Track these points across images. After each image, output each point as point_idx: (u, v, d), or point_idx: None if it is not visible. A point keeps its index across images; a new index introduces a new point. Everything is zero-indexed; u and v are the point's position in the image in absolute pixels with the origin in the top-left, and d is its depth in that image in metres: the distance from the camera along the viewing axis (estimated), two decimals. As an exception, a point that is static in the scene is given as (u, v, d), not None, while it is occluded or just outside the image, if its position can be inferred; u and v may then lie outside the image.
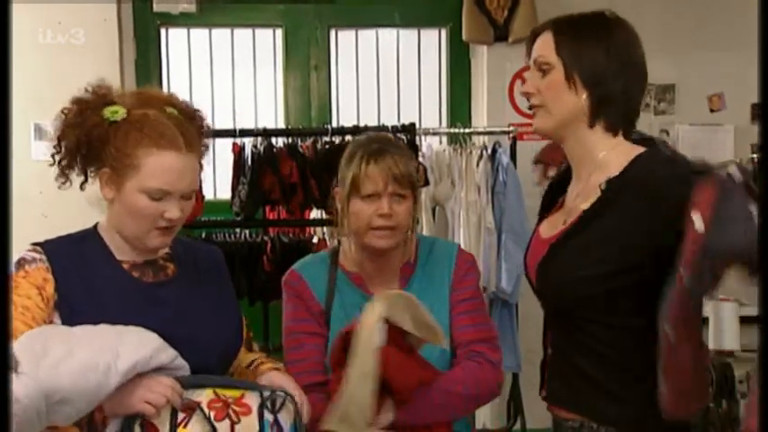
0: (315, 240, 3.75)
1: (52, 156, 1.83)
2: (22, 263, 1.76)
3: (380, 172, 2.03)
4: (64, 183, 1.86)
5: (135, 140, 1.77)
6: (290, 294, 2.14)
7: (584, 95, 1.82)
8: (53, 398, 1.58)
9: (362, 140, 2.14)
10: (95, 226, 1.90)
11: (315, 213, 3.84)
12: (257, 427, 1.72)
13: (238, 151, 3.62)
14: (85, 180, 1.86)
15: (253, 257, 3.65)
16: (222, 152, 3.98)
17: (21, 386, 1.53)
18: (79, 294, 1.77)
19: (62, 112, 1.83)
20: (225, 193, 3.84)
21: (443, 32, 4.49)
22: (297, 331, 2.10)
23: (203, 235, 3.67)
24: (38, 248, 1.80)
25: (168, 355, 1.72)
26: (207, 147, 1.95)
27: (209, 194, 3.79)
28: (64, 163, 1.83)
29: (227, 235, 3.72)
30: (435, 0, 4.39)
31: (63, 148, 1.82)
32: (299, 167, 3.60)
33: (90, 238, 1.87)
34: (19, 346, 1.59)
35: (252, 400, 1.74)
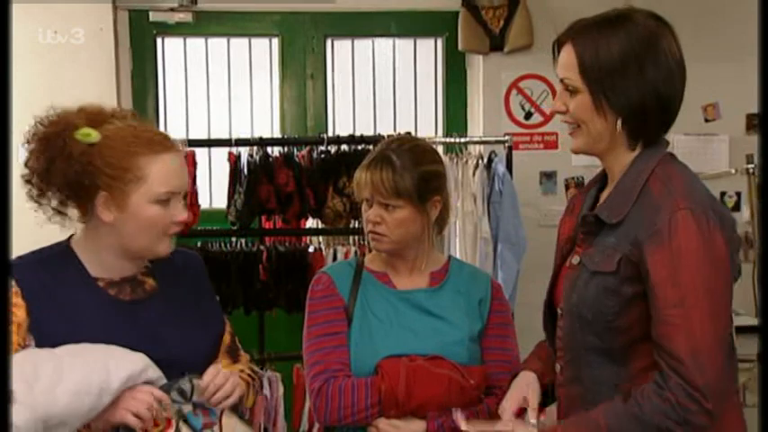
0: (311, 250, 3.75)
1: (28, 195, 1.78)
2: None
3: (368, 181, 2.11)
4: (63, 219, 1.82)
5: (128, 155, 1.75)
6: (313, 296, 2.20)
7: (618, 122, 1.73)
8: (50, 422, 1.57)
9: (383, 143, 2.22)
10: (69, 241, 1.86)
11: (311, 223, 3.83)
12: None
13: (234, 160, 3.62)
14: (84, 212, 1.81)
15: (248, 267, 3.64)
16: (218, 161, 3.98)
17: (17, 414, 1.52)
18: (53, 316, 1.74)
19: (27, 163, 1.78)
20: (221, 202, 3.83)
21: (439, 42, 4.49)
22: (319, 335, 2.14)
23: (198, 244, 3.66)
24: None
25: (155, 372, 1.72)
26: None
27: (204, 203, 3.78)
28: (56, 203, 1.79)
29: (222, 244, 3.71)
30: (431, 10, 4.40)
31: (42, 184, 1.77)
32: (295, 177, 3.60)
33: (64, 255, 1.83)
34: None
35: (172, 410, 1.73)
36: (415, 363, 2.06)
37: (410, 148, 2.16)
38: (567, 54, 1.76)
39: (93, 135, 1.75)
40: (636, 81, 1.70)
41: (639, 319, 1.71)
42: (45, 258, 1.82)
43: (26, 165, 1.78)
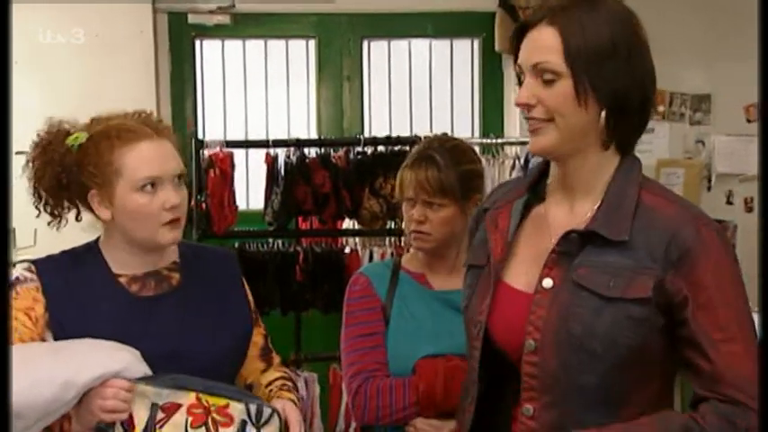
0: (347, 251, 3.75)
1: (36, 206, 1.85)
2: (15, 283, 1.77)
3: (412, 180, 2.12)
4: (59, 223, 1.87)
5: (107, 149, 1.78)
6: (351, 296, 2.20)
7: (603, 113, 1.51)
8: None
9: (424, 143, 2.23)
10: (97, 241, 1.90)
11: (347, 224, 3.83)
12: None
13: (271, 162, 3.63)
14: (78, 211, 1.87)
15: (285, 268, 3.65)
16: (255, 163, 4.00)
17: None
18: (71, 312, 1.77)
19: (28, 162, 1.84)
20: (258, 203, 3.86)
21: (476, 43, 4.48)
22: (357, 335, 2.15)
23: (236, 245, 3.68)
24: (31, 267, 1.81)
25: (140, 370, 1.71)
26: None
27: (242, 205, 3.81)
28: (51, 204, 1.85)
29: (259, 245, 3.73)
30: (468, 11, 4.38)
31: (44, 193, 1.84)
32: (331, 178, 3.61)
33: (90, 253, 1.86)
34: None
35: (236, 411, 1.71)
36: (452, 362, 2.05)
37: (451, 148, 2.18)
38: (546, 35, 1.51)
39: (80, 137, 1.80)
40: (625, 68, 1.50)
41: (658, 353, 1.50)
42: (72, 257, 1.87)
43: (28, 175, 1.85)
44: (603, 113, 1.51)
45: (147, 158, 1.78)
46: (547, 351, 1.51)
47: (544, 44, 1.51)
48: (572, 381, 1.50)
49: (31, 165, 1.84)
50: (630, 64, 1.50)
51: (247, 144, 3.99)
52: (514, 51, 1.59)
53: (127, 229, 1.82)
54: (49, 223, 1.87)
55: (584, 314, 1.49)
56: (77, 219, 1.89)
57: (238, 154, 3.71)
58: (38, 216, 1.86)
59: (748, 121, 4.30)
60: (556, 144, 1.53)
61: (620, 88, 1.50)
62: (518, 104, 1.56)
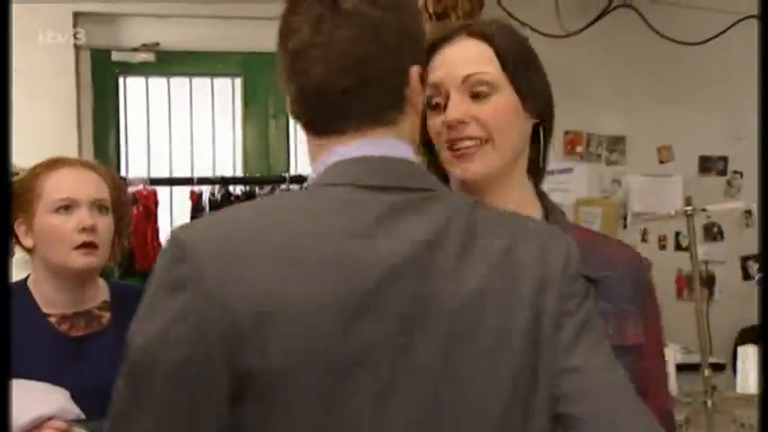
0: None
1: None
2: None
3: None
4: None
5: (33, 177, 1.85)
6: None
7: (539, 127, 1.39)
8: None
9: None
10: (26, 279, 1.90)
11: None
12: None
13: (196, 199, 3.63)
14: (22, 247, 1.89)
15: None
16: (180, 200, 3.98)
17: None
18: None
19: None
20: (182, 240, 3.82)
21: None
22: None
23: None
24: None
25: (74, 413, 1.69)
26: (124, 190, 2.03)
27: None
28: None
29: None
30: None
31: None
32: (256, 215, 3.61)
33: (18, 292, 1.84)
34: None
35: None
36: None
37: None
38: (473, 47, 1.36)
39: (19, 174, 1.88)
40: (544, 79, 1.41)
41: None
42: None
43: None
44: (541, 127, 1.39)
45: (64, 182, 1.83)
46: None
47: (473, 56, 1.36)
48: None
49: None
50: (544, 80, 1.42)
51: (171, 181, 3.97)
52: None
53: (43, 254, 1.83)
54: None
55: None
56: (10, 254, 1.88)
57: (162, 191, 3.69)
58: None
59: (661, 162, 4.46)
60: (494, 168, 1.35)
61: (547, 99, 1.41)
62: (450, 122, 1.34)
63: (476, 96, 1.34)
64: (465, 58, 1.35)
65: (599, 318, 1.16)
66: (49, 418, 1.65)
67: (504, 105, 1.34)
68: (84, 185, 1.84)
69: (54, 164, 1.88)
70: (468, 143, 1.34)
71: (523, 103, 1.36)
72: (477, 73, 1.34)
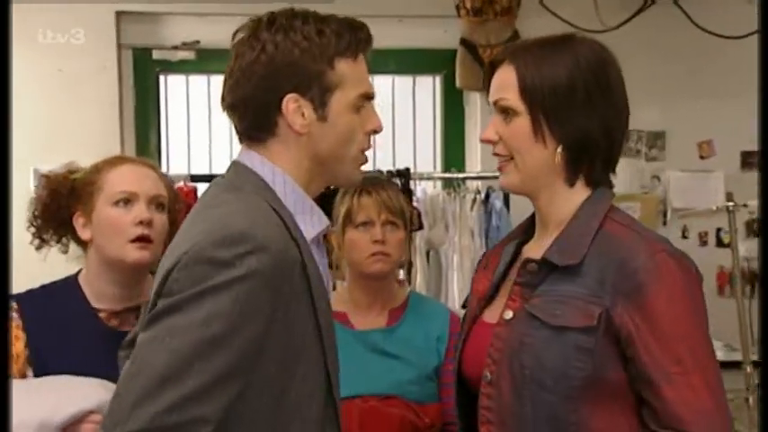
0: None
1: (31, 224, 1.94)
2: None
3: (373, 202, 2.15)
4: (40, 245, 1.94)
5: (95, 172, 1.91)
6: None
7: (559, 149, 1.52)
8: None
9: (366, 177, 2.26)
10: (77, 274, 1.94)
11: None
12: None
13: (235, 196, 3.64)
14: (59, 242, 1.95)
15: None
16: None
17: None
18: (51, 347, 1.79)
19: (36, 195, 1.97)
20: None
21: (437, 79, 4.56)
22: None
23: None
24: (13, 305, 1.82)
25: None
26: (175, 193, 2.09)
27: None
28: (37, 224, 1.92)
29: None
30: (429, 48, 4.46)
31: (40, 219, 1.93)
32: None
33: (68, 287, 1.90)
34: None
35: None
36: (367, 404, 2.06)
37: (382, 179, 2.29)
38: (505, 73, 1.55)
39: (80, 171, 1.94)
40: (583, 109, 1.52)
41: (618, 385, 1.47)
42: (51, 292, 1.90)
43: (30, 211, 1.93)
44: (559, 151, 1.52)
45: (125, 176, 1.89)
46: (502, 383, 1.50)
47: (503, 82, 1.55)
48: (525, 413, 1.47)
49: (37, 197, 1.93)
50: (590, 106, 1.52)
51: (212, 178, 3.99)
52: (486, 89, 1.63)
53: (99, 246, 1.87)
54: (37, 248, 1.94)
55: (534, 345, 1.47)
56: (64, 250, 1.95)
57: (203, 188, 3.72)
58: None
59: (701, 157, 4.41)
60: (518, 182, 1.57)
61: (578, 128, 1.51)
62: (482, 140, 1.60)
63: (505, 118, 1.55)
64: (496, 84, 1.57)
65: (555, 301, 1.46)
66: (91, 412, 1.68)
67: (518, 129, 1.53)
68: (144, 182, 1.90)
69: (116, 160, 1.95)
70: (499, 158, 1.58)
71: (541, 130, 1.51)
72: (499, 99, 1.55)
